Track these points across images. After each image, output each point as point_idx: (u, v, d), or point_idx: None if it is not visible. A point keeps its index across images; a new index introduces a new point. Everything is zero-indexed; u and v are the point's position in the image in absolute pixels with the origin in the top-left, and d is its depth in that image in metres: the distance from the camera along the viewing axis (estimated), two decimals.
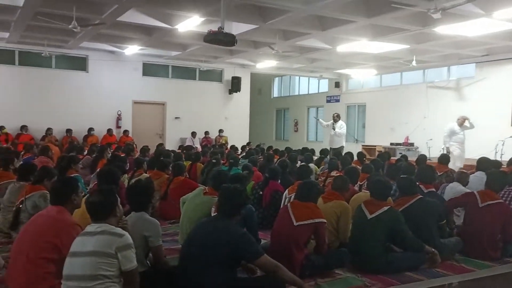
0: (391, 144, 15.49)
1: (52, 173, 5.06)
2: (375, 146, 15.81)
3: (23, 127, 13.72)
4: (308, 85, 21.41)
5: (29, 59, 14.46)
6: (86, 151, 10.68)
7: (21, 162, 7.51)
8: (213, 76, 17.60)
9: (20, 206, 4.81)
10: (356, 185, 6.21)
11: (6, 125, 13.50)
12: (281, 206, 5.27)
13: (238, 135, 16.98)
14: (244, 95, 17.96)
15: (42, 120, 14.05)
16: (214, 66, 16.95)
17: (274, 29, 10.99)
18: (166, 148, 12.69)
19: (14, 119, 13.70)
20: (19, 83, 14.18)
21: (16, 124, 13.71)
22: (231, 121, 17.56)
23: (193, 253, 3.34)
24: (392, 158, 10.80)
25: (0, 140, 12.81)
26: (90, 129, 14.66)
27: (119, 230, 2.93)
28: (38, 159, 8.28)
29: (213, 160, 8.54)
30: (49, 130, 13.93)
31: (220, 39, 7.80)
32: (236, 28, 10.36)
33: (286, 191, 5.77)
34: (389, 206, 4.40)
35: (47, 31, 11.87)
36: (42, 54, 13.21)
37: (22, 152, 10.26)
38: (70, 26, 9.19)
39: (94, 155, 9.48)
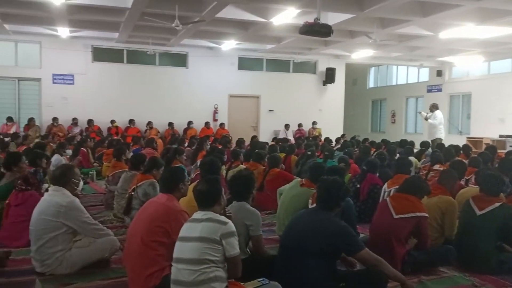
0: (501, 136, 14.32)
1: (160, 163, 5.40)
2: (481, 138, 14.66)
3: (131, 121, 14.81)
4: (407, 74, 20.44)
5: (135, 57, 15.52)
6: (187, 143, 11.24)
7: (131, 153, 8.12)
8: (307, 67, 17.54)
9: (132, 193, 5.20)
10: (462, 180, 5.84)
11: (116, 119, 14.72)
12: (380, 200, 5.12)
13: (332, 127, 16.78)
14: (338, 86, 17.69)
15: (147, 114, 15.05)
16: (308, 57, 16.87)
17: (371, 18, 10.66)
18: (260, 140, 12.91)
19: (122, 113, 14.87)
20: (127, 80, 15.29)
21: (124, 118, 14.86)
22: (325, 113, 17.39)
23: (293, 244, 3.35)
24: (500, 151, 9.95)
25: (111, 133, 13.96)
26: (190, 122, 15.41)
27: (223, 218, 3.05)
28: (145, 151, 8.90)
29: (308, 152, 8.54)
30: (149, 123, 14.88)
31: (316, 30, 7.74)
32: (332, 18, 10.22)
33: (385, 185, 5.59)
34: (501, 202, 4.10)
35: (151, 30, 12.66)
36: (148, 52, 14.14)
37: (131, 144, 11.06)
38: (173, 25, 9.71)
39: (194, 147, 9.94)
